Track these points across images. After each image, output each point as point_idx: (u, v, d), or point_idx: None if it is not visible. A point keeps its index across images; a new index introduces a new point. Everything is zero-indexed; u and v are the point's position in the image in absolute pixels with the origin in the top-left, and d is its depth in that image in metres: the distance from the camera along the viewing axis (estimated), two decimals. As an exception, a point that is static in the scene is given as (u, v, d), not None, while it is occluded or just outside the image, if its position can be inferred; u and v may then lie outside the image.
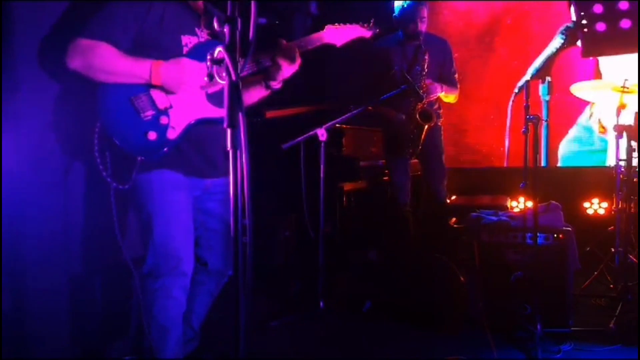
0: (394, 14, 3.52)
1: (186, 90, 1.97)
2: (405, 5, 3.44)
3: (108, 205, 1.92)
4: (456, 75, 3.70)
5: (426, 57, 3.43)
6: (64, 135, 2.15)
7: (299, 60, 2.14)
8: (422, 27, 3.46)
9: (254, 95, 2.25)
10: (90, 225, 2.27)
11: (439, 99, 3.61)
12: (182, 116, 2.00)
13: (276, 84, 2.21)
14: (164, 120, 1.96)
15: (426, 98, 3.41)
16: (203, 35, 2.09)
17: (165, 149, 1.96)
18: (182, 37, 2.03)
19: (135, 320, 2.13)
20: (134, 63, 1.93)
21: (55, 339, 2.14)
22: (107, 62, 1.90)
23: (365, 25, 2.36)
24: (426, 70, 3.44)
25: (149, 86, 1.94)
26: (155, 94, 1.96)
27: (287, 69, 2.15)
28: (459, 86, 3.69)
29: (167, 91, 1.96)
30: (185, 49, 2.02)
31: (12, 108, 1.98)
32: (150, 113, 1.94)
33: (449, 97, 3.63)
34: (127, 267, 1.99)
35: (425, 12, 3.46)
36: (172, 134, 1.97)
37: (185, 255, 2.05)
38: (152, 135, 1.93)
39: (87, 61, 1.88)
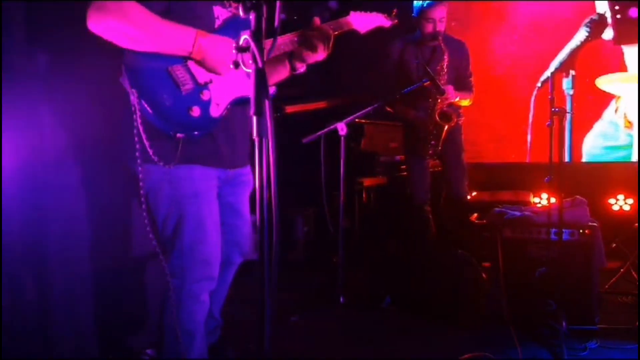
0: (412, 14, 3.48)
1: (225, 72, 1.83)
2: (424, 5, 3.38)
3: (130, 197, 1.89)
4: (472, 79, 3.65)
5: (445, 57, 3.38)
6: (84, 129, 2.15)
7: (331, 43, 2.06)
8: (441, 27, 3.40)
9: (274, 76, 2.13)
10: (110, 220, 2.28)
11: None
12: (224, 92, 1.86)
13: (302, 67, 2.10)
14: (205, 95, 1.81)
15: (444, 101, 3.37)
16: (232, 10, 1.95)
17: (207, 129, 1.82)
18: (214, 7, 1.90)
19: (154, 315, 2.11)
20: (176, 29, 1.73)
21: (78, 330, 2.16)
22: (143, 25, 1.68)
23: (387, 15, 2.33)
24: (445, 70, 3.39)
25: (186, 58, 1.78)
26: (194, 65, 1.80)
27: (321, 52, 2.04)
28: (474, 90, 3.64)
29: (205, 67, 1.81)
30: (217, 22, 1.89)
31: (33, 103, 1.99)
32: (190, 86, 1.77)
33: (463, 102, 3.58)
34: (142, 259, 1.98)
35: (444, 13, 3.41)
36: (215, 111, 1.83)
37: (214, 260, 1.97)
38: (195, 112, 1.77)
39: (119, 24, 1.66)
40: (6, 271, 1.89)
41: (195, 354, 1.98)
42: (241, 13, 1.19)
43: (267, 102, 1.16)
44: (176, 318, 1.92)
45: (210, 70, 1.82)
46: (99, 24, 1.66)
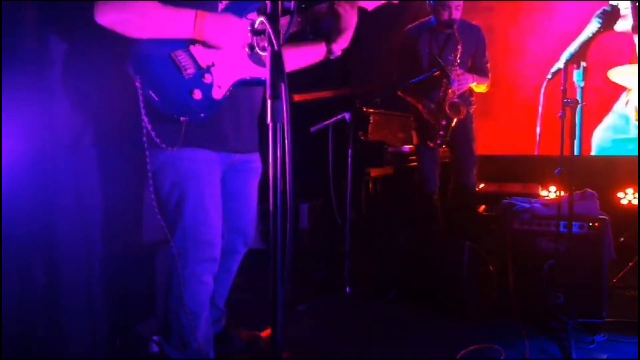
0: (428, 0, 3.45)
1: (230, 46, 1.86)
2: None
3: (141, 183, 1.88)
4: (488, 65, 3.61)
5: (459, 46, 3.35)
6: (97, 114, 2.14)
7: (356, 16, 2.05)
8: (457, 14, 3.37)
9: (309, 57, 2.16)
10: (121, 206, 2.27)
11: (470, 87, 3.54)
12: (226, 75, 1.89)
13: (338, 49, 2.12)
14: (207, 78, 1.84)
15: (457, 89, 3.34)
16: None
17: (211, 111, 1.85)
18: None
19: (162, 300, 2.12)
20: (176, 13, 1.78)
21: (87, 316, 2.16)
22: (145, 14, 1.74)
23: None
24: (459, 60, 3.36)
25: (188, 42, 1.82)
26: (196, 50, 1.83)
27: (350, 28, 2.06)
28: (490, 75, 3.61)
29: (208, 47, 1.84)
30: (220, 6, 1.92)
31: (44, 86, 1.97)
32: (192, 71, 1.81)
33: (480, 87, 3.56)
34: (151, 246, 1.97)
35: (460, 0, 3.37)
36: (217, 94, 1.85)
37: (215, 241, 2.00)
38: (197, 95, 1.80)
39: (121, 15, 1.72)
40: (15, 257, 1.89)
41: (200, 336, 1.99)
42: (257, -5, 1.17)
43: (283, 86, 1.13)
44: (180, 299, 1.96)
45: (213, 47, 1.85)
46: (104, 17, 1.72)
